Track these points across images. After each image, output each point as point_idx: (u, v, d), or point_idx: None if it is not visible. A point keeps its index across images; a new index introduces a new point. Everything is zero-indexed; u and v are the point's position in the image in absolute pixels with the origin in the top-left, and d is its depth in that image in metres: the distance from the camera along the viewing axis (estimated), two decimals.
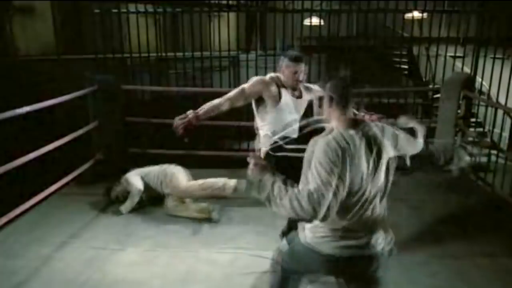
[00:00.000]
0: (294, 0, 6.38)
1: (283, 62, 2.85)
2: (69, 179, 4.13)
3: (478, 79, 5.51)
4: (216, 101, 2.81)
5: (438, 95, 5.68)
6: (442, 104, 5.00)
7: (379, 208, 1.83)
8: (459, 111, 4.85)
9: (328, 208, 1.61)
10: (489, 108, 5.40)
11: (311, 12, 5.75)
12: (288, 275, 2.05)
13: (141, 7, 5.70)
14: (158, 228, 3.60)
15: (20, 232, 3.52)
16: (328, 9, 5.94)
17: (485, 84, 5.88)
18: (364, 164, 1.72)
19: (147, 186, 3.93)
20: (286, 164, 2.66)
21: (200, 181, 3.74)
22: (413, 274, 2.94)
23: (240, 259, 3.12)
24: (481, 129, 7.38)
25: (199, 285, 2.83)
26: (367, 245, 1.81)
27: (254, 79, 2.88)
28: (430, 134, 5.28)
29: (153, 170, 4.01)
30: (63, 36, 7.77)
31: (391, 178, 1.85)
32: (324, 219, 1.63)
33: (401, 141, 1.91)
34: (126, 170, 4.07)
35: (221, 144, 6.19)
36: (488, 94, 6.12)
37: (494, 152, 5.19)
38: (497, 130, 5.88)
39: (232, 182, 3.65)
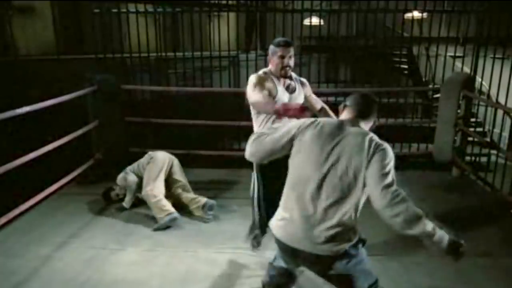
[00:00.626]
0: (294, 0, 6.38)
1: (270, 50, 2.77)
2: (69, 179, 4.13)
3: (478, 79, 5.50)
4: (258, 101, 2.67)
5: (438, 95, 5.67)
6: (442, 104, 5.00)
7: (328, 209, 1.81)
8: (459, 111, 4.85)
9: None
10: (489, 108, 5.40)
11: (311, 12, 5.75)
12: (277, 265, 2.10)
13: (141, 7, 5.70)
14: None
15: (20, 232, 3.52)
16: (328, 9, 5.93)
17: (485, 84, 5.87)
18: (317, 150, 1.84)
19: (140, 178, 3.95)
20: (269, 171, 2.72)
21: (155, 199, 3.67)
22: (412, 274, 2.95)
23: (240, 258, 3.12)
24: (481, 129, 7.38)
25: (199, 285, 2.83)
26: (305, 239, 1.84)
27: (251, 80, 2.76)
28: (430, 133, 5.31)
29: (140, 161, 4.04)
30: (63, 36, 7.77)
31: (351, 190, 1.80)
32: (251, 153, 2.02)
33: (371, 169, 1.78)
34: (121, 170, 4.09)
35: (221, 144, 6.18)
36: (488, 94, 6.11)
37: (494, 152, 5.19)
38: (497, 130, 5.88)
39: (165, 219, 3.59)
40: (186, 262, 3.07)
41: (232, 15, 7.29)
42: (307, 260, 1.91)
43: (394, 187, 1.75)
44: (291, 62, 2.75)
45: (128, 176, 3.94)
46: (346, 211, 1.81)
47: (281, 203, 1.98)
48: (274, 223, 1.97)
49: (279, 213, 1.97)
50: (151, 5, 5.72)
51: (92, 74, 4.80)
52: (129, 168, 4.03)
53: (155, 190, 3.72)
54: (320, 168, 1.83)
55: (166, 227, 3.59)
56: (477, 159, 5.98)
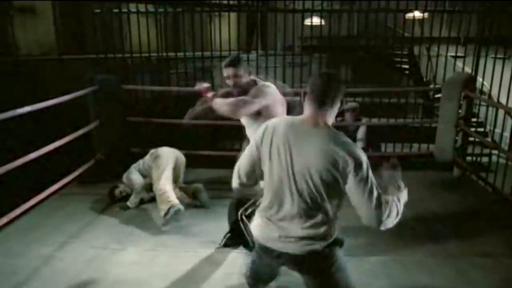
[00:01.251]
0: (295, 0, 6.39)
1: None
2: (70, 179, 4.14)
3: (479, 79, 5.50)
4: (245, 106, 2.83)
5: (439, 95, 5.66)
6: (443, 104, 5.00)
7: (298, 211, 1.82)
8: (460, 111, 4.85)
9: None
10: (490, 108, 5.40)
11: (312, 12, 5.75)
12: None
13: (142, 7, 5.70)
14: (159, 228, 3.60)
15: (21, 231, 3.52)
16: (329, 9, 5.94)
17: (486, 84, 5.87)
18: (281, 154, 1.80)
19: (143, 176, 4.03)
20: None
21: (161, 192, 3.70)
22: (412, 274, 2.94)
23: (241, 258, 3.12)
24: (482, 129, 7.38)
25: (199, 285, 2.83)
26: (276, 239, 1.87)
27: None
28: (431, 133, 5.31)
29: (145, 159, 4.09)
30: (64, 36, 7.78)
31: (317, 188, 1.76)
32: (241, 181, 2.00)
33: (351, 183, 1.73)
34: (127, 168, 4.12)
35: (221, 144, 6.18)
36: (489, 94, 6.11)
37: (495, 152, 5.19)
38: (498, 130, 5.87)
39: (170, 212, 3.58)
40: (187, 262, 3.07)
41: (233, 15, 7.30)
42: (281, 259, 1.92)
43: (382, 201, 1.73)
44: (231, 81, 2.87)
45: (132, 175, 3.98)
46: (316, 213, 1.81)
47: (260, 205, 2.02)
48: (253, 223, 2.01)
49: (257, 214, 2.01)
50: (152, 5, 5.72)
51: (93, 74, 4.81)
52: (134, 166, 4.09)
53: (161, 185, 3.77)
54: (285, 172, 1.80)
55: (168, 223, 3.61)
56: (478, 159, 5.98)
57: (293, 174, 1.79)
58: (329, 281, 1.90)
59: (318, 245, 1.83)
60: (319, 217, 1.82)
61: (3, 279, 2.86)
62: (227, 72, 2.84)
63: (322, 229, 1.82)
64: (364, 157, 1.72)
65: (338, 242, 1.91)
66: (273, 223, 1.89)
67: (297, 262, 1.89)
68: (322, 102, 1.78)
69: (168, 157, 3.98)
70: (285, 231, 1.85)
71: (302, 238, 1.83)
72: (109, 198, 4.10)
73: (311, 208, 1.80)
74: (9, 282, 2.81)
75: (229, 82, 2.86)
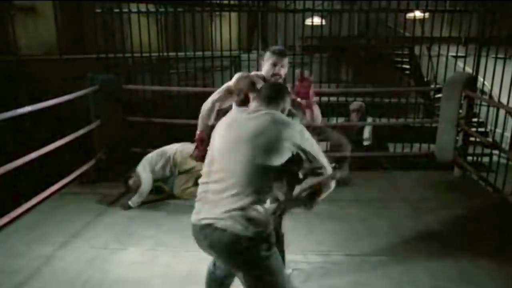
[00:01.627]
0: (295, 0, 6.38)
1: (265, 56, 2.70)
2: (71, 179, 4.14)
3: (480, 79, 5.49)
4: (204, 109, 2.74)
5: (439, 95, 5.66)
6: (443, 104, 4.99)
7: (228, 193, 1.81)
8: (460, 111, 4.84)
9: None
10: (491, 108, 5.39)
11: (312, 12, 5.74)
12: None
13: (142, 7, 5.70)
14: (159, 228, 3.60)
15: (22, 231, 3.53)
16: (329, 8, 5.93)
17: (487, 84, 5.86)
18: (223, 134, 1.95)
19: (153, 172, 4.06)
20: None
21: None
22: (414, 274, 2.94)
23: None
24: (483, 129, 7.37)
25: (200, 285, 2.81)
26: (208, 212, 1.87)
27: (238, 74, 2.73)
28: (432, 133, 5.30)
29: (159, 159, 4.10)
30: (65, 35, 7.78)
31: (249, 173, 1.80)
32: None
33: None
34: (128, 168, 4.13)
35: None
36: (490, 94, 6.10)
37: (496, 152, 5.18)
38: (499, 130, 5.87)
39: None
40: (188, 262, 3.07)
41: (233, 14, 7.30)
42: (207, 239, 1.92)
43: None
44: (282, 72, 2.69)
45: (142, 174, 3.98)
46: (240, 194, 1.78)
47: None
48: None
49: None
50: (153, 5, 5.72)
51: (94, 73, 4.81)
52: (147, 161, 4.07)
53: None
54: (224, 152, 1.89)
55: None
56: (479, 159, 5.97)
57: (221, 151, 1.91)
58: (254, 280, 1.85)
59: (240, 229, 1.76)
60: (243, 200, 1.79)
61: (4, 278, 2.86)
62: (278, 60, 2.64)
63: (248, 213, 1.78)
64: (298, 127, 1.89)
65: (269, 241, 1.84)
66: (206, 202, 1.89)
67: (217, 245, 1.88)
68: (266, 100, 2.01)
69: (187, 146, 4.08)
70: (215, 208, 1.83)
71: (229, 217, 1.78)
72: (124, 187, 4.10)
73: (238, 189, 1.79)
74: (10, 282, 2.82)
75: (276, 70, 2.63)
